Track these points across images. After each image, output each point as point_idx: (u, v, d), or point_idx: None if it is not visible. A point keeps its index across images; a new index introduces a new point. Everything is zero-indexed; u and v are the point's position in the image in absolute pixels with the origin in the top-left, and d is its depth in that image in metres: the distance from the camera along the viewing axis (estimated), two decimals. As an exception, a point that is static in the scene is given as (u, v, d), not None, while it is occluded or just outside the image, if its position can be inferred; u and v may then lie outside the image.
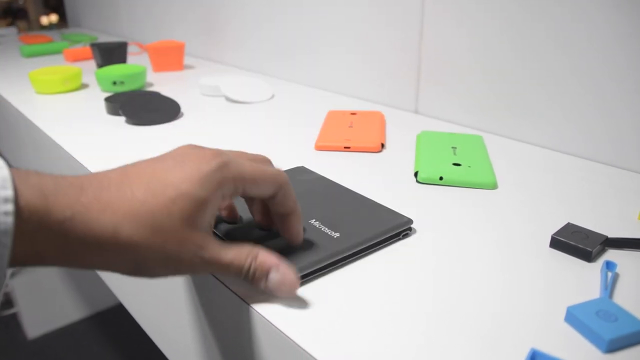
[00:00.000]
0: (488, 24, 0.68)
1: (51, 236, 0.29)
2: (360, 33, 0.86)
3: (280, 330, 0.34)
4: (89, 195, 0.31)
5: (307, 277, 0.38)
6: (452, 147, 0.62)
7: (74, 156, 0.64)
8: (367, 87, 0.89)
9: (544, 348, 0.32)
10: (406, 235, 0.45)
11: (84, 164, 0.62)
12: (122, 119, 0.80)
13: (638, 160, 0.58)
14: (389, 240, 0.43)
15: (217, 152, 0.35)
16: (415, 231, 0.46)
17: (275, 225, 0.41)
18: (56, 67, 1.03)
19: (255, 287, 0.36)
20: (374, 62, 0.86)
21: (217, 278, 0.39)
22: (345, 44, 0.90)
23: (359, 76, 0.89)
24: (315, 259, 0.39)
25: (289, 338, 0.33)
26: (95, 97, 0.93)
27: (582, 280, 0.39)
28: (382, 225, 0.43)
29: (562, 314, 0.35)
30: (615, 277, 0.39)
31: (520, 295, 0.37)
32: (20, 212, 0.28)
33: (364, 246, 0.41)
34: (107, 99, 0.83)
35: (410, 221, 0.45)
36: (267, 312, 0.35)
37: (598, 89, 0.59)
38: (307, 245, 0.40)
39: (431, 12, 0.74)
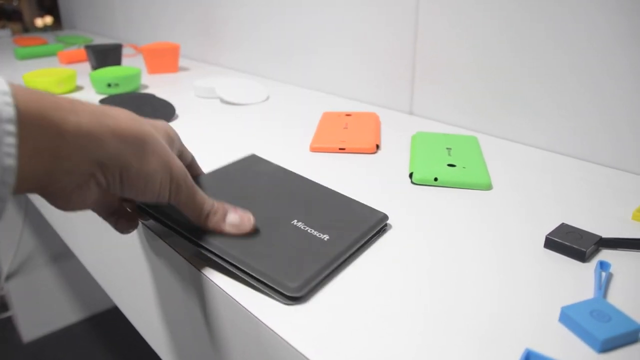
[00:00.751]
0: (482, 25, 0.68)
1: (47, 134, 0.31)
2: (355, 35, 0.86)
3: (279, 335, 0.34)
4: (80, 103, 0.34)
5: (314, 288, 0.38)
6: (447, 148, 0.62)
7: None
8: (362, 88, 0.89)
9: (539, 348, 0.32)
10: (383, 231, 0.45)
11: (78, 166, 0.61)
12: (117, 121, 0.80)
13: (631, 160, 0.58)
14: (372, 238, 0.44)
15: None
16: (390, 226, 0.46)
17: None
18: (50, 70, 1.03)
19: (211, 227, 0.40)
20: (369, 64, 0.86)
21: (213, 282, 0.39)
22: (340, 46, 0.90)
23: (354, 77, 0.89)
24: (320, 267, 0.38)
25: (288, 343, 0.33)
26: (90, 99, 0.93)
27: (576, 280, 0.39)
28: (365, 223, 0.43)
29: (557, 314, 0.35)
30: (609, 277, 0.39)
31: (514, 296, 0.37)
32: (26, 126, 0.29)
33: (356, 247, 0.41)
34: (102, 101, 0.83)
35: (385, 216, 0.46)
36: (262, 314, 0.35)
37: (592, 90, 0.60)
38: (303, 252, 0.39)
39: (426, 14, 0.74)
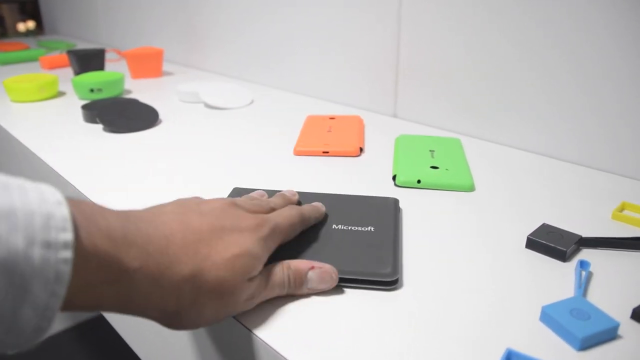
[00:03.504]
0: (465, 27, 0.69)
1: (115, 287, 0.28)
2: (339, 38, 0.87)
3: (267, 344, 0.34)
4: (156, 246, 0.30)
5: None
6: (430, 151, 0.63)
7: (51, 165, 0.63)
8: (346, 91, 0.89)
9: (520, 347, 0.32)
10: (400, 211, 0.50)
11: (61, 173, 0.61)
12: (100, 126, 0.79)
13: (611, 161, 0.59)
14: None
15: (260, 219, 0.38)
16: (401, 210, 0.47)
17: None
18: (32, 75, 1.02)
19: (298, 294, 0.38)
20: (353, 67, 0.86)
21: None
22: (324, 49, 0.90)
23: (338, 81, 0.90)
24: (389, 253, 0.40)
25: (271, 347, 0.33)
26: (72, 105, 0.92)
27: (557, 279, 0.40)
28: (388, 209, 0.47)
29: (538, 313, 0.36)
30: (589, 276, 0.40)
31: (496, 296, 0.38)
32: (82, 260, 0.26)
33: (399, 229, 0.46)
34: (84, 107, 0.83)
35: (397, 200, 0.50)
36: (253, 324, 0.35)
37: (569, 94, 0.60)
38: (369, 245, 0.42)
39: (408, 18, 0.75)
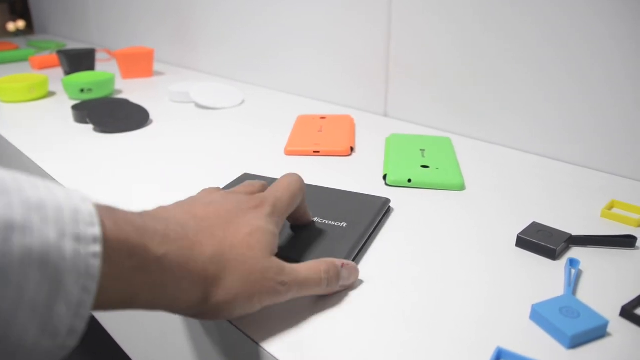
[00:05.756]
0: (454, 27, 0.69)
1: (146, 275, 0.28)
2: (329, 38, 0.87)
3: (254, 340, 0.34)
4: (174, 234, 0.31)
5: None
6: (421, 150, 0.63)
7: (41, 166, 0.63)
8: (337, 91, 0.89)
9: (510, 346, 0.32)
10: (389, 213, 0.50)
11: (51, 173, 0.61)
12: (90, 127, 0.79)
13: (600, 159, 0.60)
14: (381, 220, 0.48)
15: (259, 198, 0.38)
16: (392, 209, 0.49)
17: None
18: (22, 75, 1.01)
19: (332, 291, 0.38)
20: (343, 66, 0.86)
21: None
22: (314, 49, 0.90)
23: (329, 80, 0.90)
24: (349, 248, 0.42)
25: (264, 349, 0.33)
26: (62, 105, 0.92)
27: (547, 277, 0.40)
28: (372, 208, 0.48)
29: (528, 311, 0.36)
30: (579, 274, 0.40)
31: (486, 295, 0.38)
32: (111, 252, 0.26)
33: (372, 228, 0.46)
34: (75, 107, 0.82)
35: (388, 200, 0.50)
36: (247, 328, 0.35)
37: (560, 91, 0.61)
38: (332, 242, 0.43)
39: (398, 16, 0.75)
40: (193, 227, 0.32)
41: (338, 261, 0.38)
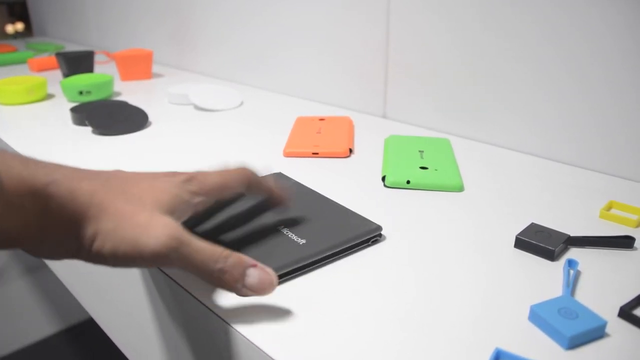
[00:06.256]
0: (453, 27, 0.69)
1: (33, 199, 0.30)
2: (328, 39, 0.87)
3: (254, 344, 0.34)
4: (66, 169, 0.33)
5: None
6: (420, 151, 0.63)
7: (39, 168, 0.63)
8: (336, 92, 0.89)
9: (509, 347, 0.32)
10: (375, 242, 0.45)
11: (48, 175, 0.61)
12: (89, 129, 0.79)
13: (599, 160, 0.60)
14: (357, 246, 0.44)
15: (182, 172, 0.38)
16: (384, 237, 0.46)
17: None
18: (20, 77, 1.01)
19: (227, 288, 0.34)
20: (342, 68, 0.86)
21: (190, 294, 0.39)
22: (313, 50, 0.90)
23: (328, 82, 0.90)
24: (277, 266, 0.38)
25: (262, 350, 0.33)
26: (61, 108, 0.92)
27: (545, 278, 0.40)
28: (349, 232, 0.44)
29: (526, 312, 0.36)
30: (577, 275, 0.40)
31: (485, 296, 0.38)
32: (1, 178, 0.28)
33: (328, 253, 0.41)
34: (73, 109, 0.82)
35: (379, 228, 0.45)
36: (241, 326, 0.35)
37: (560, 92, 0.61)
38: (271, 252, 0.41)
39: (397, 17, 0.75)
40: (90, 172, 0.34)
41: (249, 260, 0.34)
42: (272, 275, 0.34)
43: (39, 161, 0.33)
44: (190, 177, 0.37)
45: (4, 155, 0.31)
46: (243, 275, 0.34)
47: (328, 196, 0.52)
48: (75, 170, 0.34)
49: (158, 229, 0.32)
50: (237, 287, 0.34)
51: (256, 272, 0.34)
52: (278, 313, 0.36)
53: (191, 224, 0.44)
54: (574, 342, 0.32)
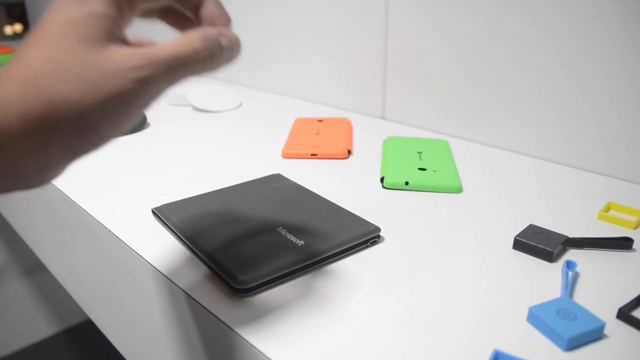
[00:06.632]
0: (452, 29, 0.69)
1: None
2: (327, 41, 0.87)
3: (253, 345, 0.34)
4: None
5: (267, 285, 0.38)
6: (418, 152, 0.63)
7: (37, 169, 0.63)
8: (334, 93, 0.89)
9: (507, 348, 0.32)
10: (374, 243, 0.45)
11: (46, 177, 0.60)
12: (87, 130, 0.79)
13: (597, 162, 0.60)
14: (356, 247, 0.44)
15: None
16: (383, 238, 0.46)
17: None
18: (18, 79, 1.01)
19: (216, 67, 0.32)
20: (341, 69, 0.86)
21: (189, 294, 0.39)
22: (312, 52, 0.90)
23: (326, 83, 0.90)
24: (276, 267, 0.39)
25: (260, 351, 0.33)
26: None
27: (544, 280, 0.40)
28: (348, 234, 0.44)
29: (525, 314, 0.36)
30: (576, 276, 0.40)
31: (483, 297, 0.38)
32: None
33: (327, 254, 0.41)
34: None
35: (377, 229, 0.45)
36: (238, 327, 0.35)
37: (558, 93, 0.61)
38: (270, 253, 0.40)
39: (396, 19, 0.75)
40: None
41: (212, 28, 0.31)
42: (233, 33, 0.33)
43: None
44: None
45: None
46: (221, 47, 0.31)
47: (327, 197, 0.52)
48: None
49: (114, 68, 0.26)
50: (222, 62, 0.32)
51: (225, 40, 0.32)
52: (276, 314, 0.36)
53: (187, 230, 0.45)
54: (573, 344, 0.32)
